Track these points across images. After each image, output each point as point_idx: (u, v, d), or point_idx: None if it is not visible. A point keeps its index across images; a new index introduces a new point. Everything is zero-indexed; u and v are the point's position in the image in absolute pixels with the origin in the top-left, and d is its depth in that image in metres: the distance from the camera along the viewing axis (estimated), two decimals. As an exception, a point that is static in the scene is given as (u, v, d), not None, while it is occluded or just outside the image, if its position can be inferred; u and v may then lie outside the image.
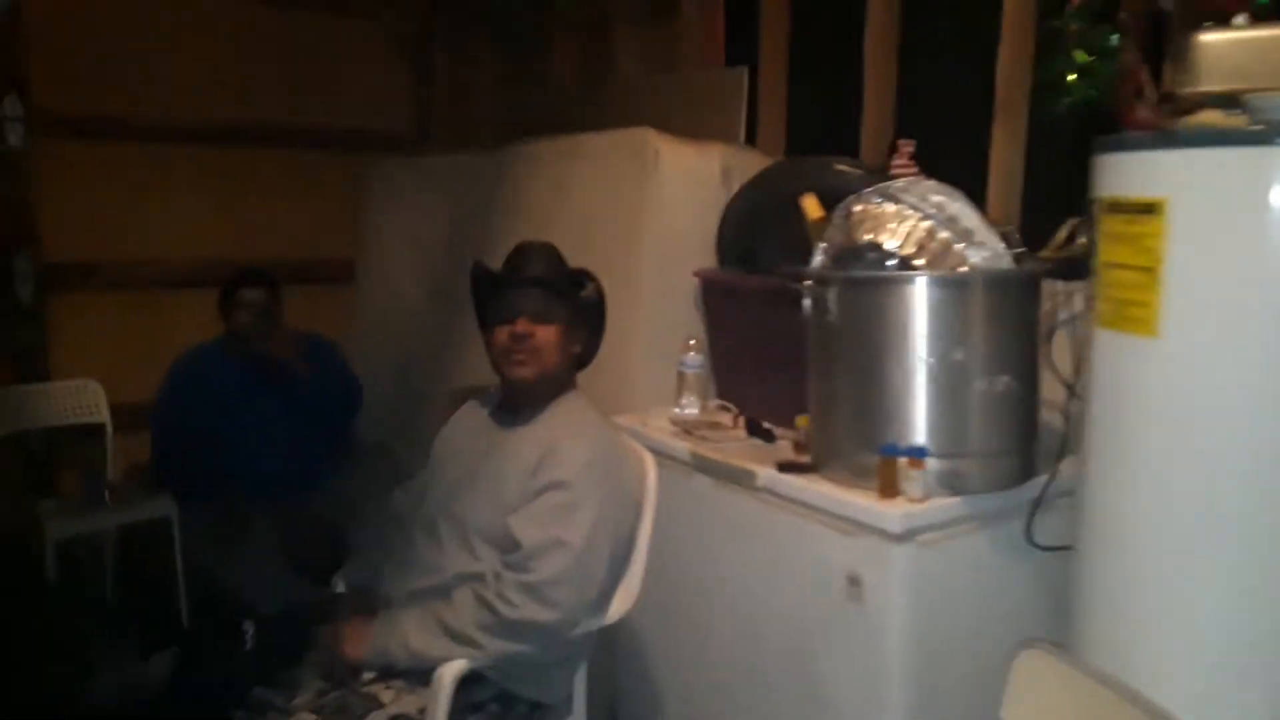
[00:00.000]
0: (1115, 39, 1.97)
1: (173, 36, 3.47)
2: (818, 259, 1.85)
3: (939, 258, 1.69)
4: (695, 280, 2.42)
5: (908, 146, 2.27)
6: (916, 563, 1.63)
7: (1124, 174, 1.41)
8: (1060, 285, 1.78)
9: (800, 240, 2.17)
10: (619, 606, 1.77)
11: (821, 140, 2.82)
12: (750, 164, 2.51)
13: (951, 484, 1.69)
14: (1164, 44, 2.03)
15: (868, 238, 1.73)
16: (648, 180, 2.39)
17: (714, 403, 2.35)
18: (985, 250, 1.70)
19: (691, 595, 2.03)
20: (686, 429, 2.16)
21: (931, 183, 1.78)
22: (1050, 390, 1.76)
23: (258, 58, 3.67)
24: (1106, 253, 1.43)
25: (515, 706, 1.71)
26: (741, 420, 2.18)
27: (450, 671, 1.60)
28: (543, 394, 1.84)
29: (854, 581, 1.68)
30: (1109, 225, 1.43)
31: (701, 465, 2.01)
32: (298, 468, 3.04)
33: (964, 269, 1.68)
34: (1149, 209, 1.35)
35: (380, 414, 3.60)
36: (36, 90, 3.19)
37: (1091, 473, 1.49)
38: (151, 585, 2.98)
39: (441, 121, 4.09)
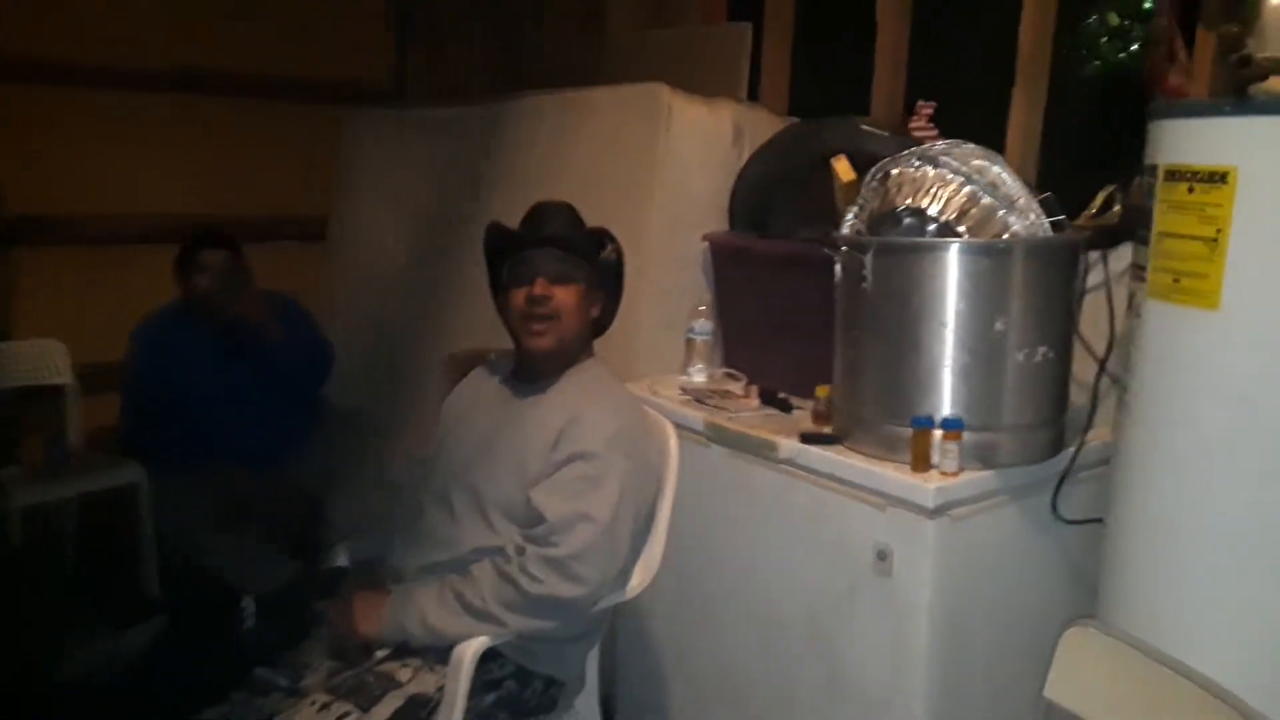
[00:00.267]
0: (1150, 2, 1.92)
1: (138, -25, 3.28)
2: (849, 223, 1.78)
3: (981, 224, 1.64)
4: (704, 244, 2.34)
5: (927, 108, 2.21)
6: (948, 537, 1.59)
7: (1187, 140, 1.36)
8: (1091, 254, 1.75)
9: (820, 204, 2.11)
10: (638, 580, 1.71)
11: (828, 101, 2.74)
12: (762, 124, 2.43)
13: (984, 457, 1.64)
14: (1198, 8, 2.00)
15: (907, 202, 1.67)
16: (659, 138, 2.30)
17: (721, 370, 2.29)
18: (1026, 217, 1.65)
19: (701, 570, 1.97)
20: (698, 398, 2.09)
21: (971, 146, 1.72)
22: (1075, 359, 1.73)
23: (228, 1, 3.48)
24: (1164, 222, 1.38)
25: (531, 683, 1.65)
26: (753, 389, 2.12)
27: (471, 649, 1.53)
28: (561, 360, 1.76)
29: (883, 555, 1.64)
30: (1168, 194, 1.38)
31: (717, 435, 1.94)
32: (271, 435, 2.92)
33: (1007, 236, 1.63)
34: (1215, 177, 1.30)
35: (357, 379, 3.48)
36: (-5, 31, 3.00)
37: (1133, 446, 1.46)
38: (118, 555, 2.86)
39: (419, 75, 3.93)
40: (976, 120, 2.39)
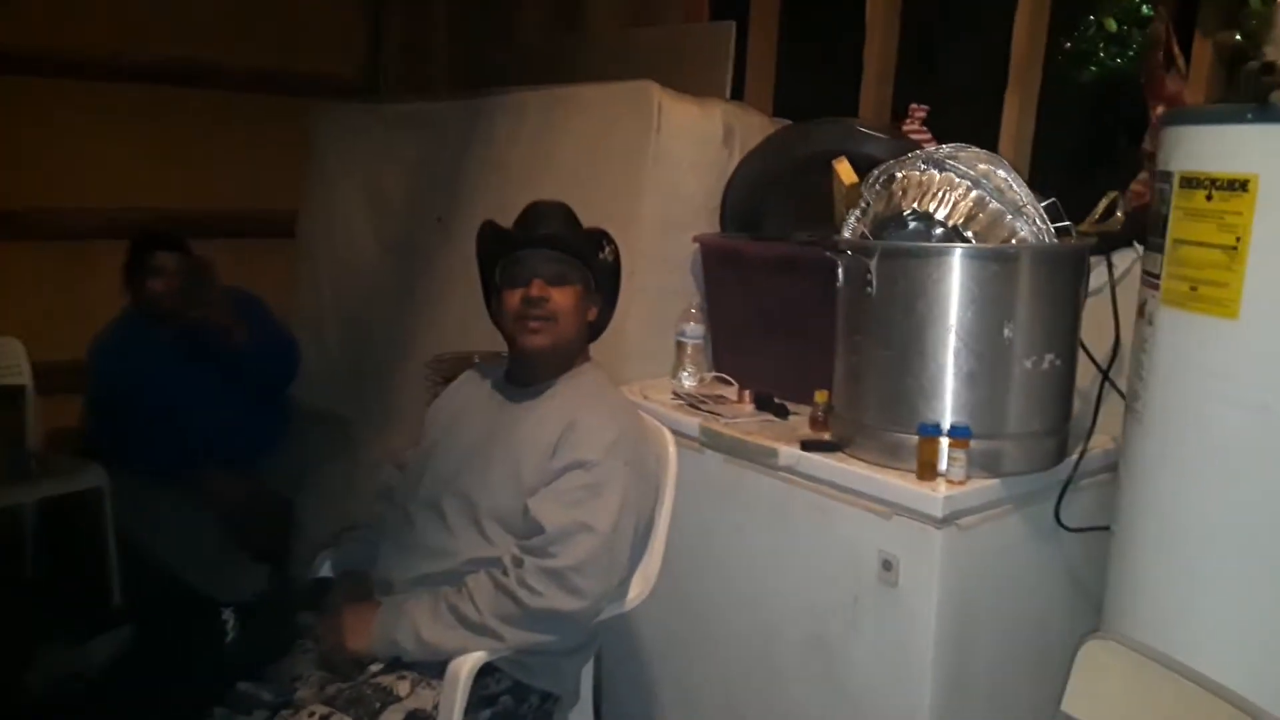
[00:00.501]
0: (1148, 7, 1.91)
1: (104, -37, 3.17)
2: (852, 226, 1.75)
3: (988, 230, 1.62)
4: (695, 246, 2.30)
5: (920, 111, 2.20)
6: (956, 546, 1.56)
7: (1206, 147, 1.34)
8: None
9: (815, 206, 2.08)
10: (636, 592, 1.67)
11: (814, 103, 2.71)
12: (752, 125, 2.40)
13: (989, 465, 1.62)
14: (1195, 14, 2.00)
15: (913, 206, 1.64)
16: (650, 137, 2.24)
17: (711, 375, 2.25)
18: (1033, 223, 1.63)
19: (695, 579, 1.92)
20: (691, 402, 2.05)
21: (976, 150, 1.70)
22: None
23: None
24: (1180, 229, 1.37)
25: (528, 698, 1.59)
26: (747, 394, 2.08)
27: (467, 665, 1.47)
28: (557, 364, 1.71)
29: (888, 565, 1.60)
30: (1184, 200, 1.36)
31: (713, 442, 1.90)
32: (239, 438, 2.84)
33: (1014, 242, 1.60)
34: (1235, 185, 1.29)
35: (328, 378, 3.39)
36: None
37: (1144, 455, 1.44)
38: (80, 561, 2.76)
39: (393, 70, 3.85)
40: (968, 124, 2.38)
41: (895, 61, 2.57)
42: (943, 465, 1.60)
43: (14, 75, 2.98)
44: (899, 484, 1.59)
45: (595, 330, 1.80)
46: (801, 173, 2.20)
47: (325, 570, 1.81)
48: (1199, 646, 1.34)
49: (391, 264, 3.19)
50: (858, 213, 1.76)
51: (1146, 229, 1.48)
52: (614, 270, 1.78)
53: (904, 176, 1.68)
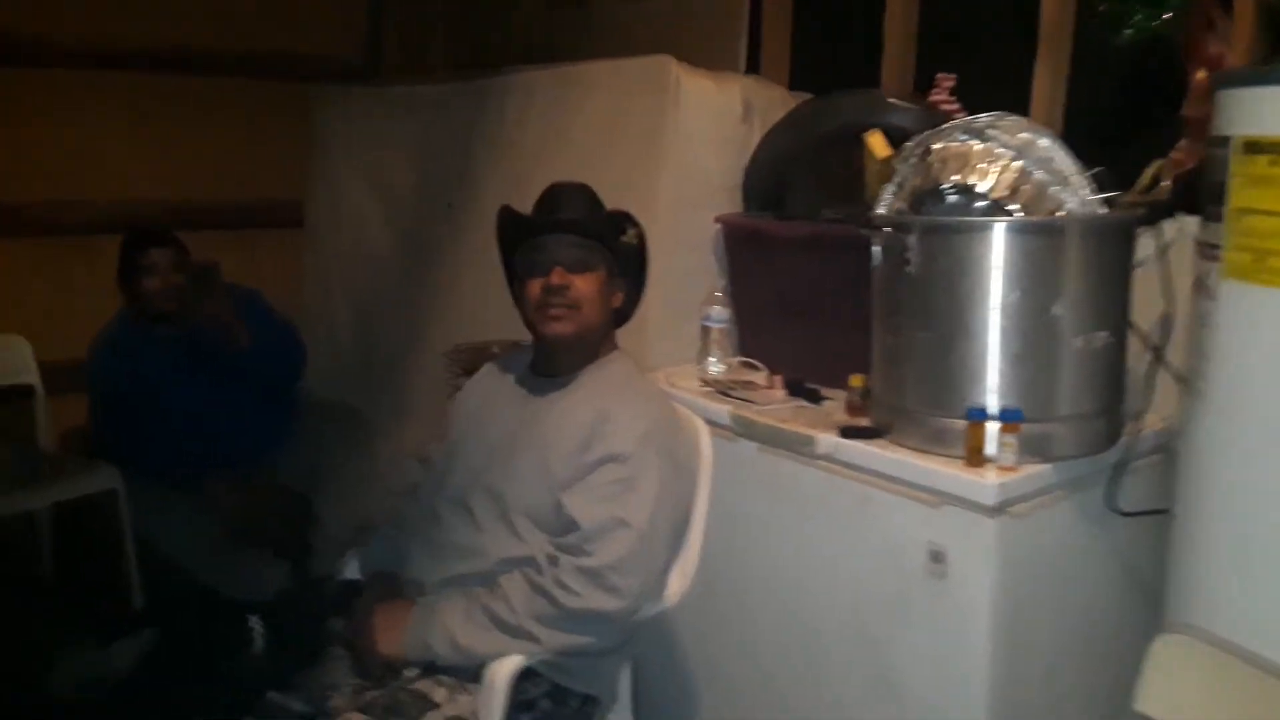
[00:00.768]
0: (1189, -34, 1.83)
1: (95, -54, 3.07)
2: (887, 202, 1.68)
3: (1033, 202, 1.54)
4: (716, 227, 2.22)
5: (948, 80, 2.12)
6: (1009, 535, 1.50)
7: (1270, 110, 1.27)
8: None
9: (841, 183, 2.01)
10: (675, 588, 1.61)
11: (833, 75, 2.63)
12: (771, 99, 2.32)
13: (1040, 449, 1.55)
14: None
15: (953, 179, 1.57)
16: (668, 115, 2.17)
17: (738, 360, 2.18)
18: (1079, 194, 1.55)
19: (732, 573, 1.86)
20: (720, 389, 1.99)
21: (1017, 118, 1.62)
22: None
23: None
24: (1243, 198, 1.29)
25: (567, 701, 1.54)
26: (777, 379, 2.01)
27: (504, 670, 1.42)
28: (583, 354, 1.64)
29: (937, 557, 1.54)
30: (1246, 167, 1.28)
31: (746, 430, 1.84)
32: (248, 437, 2.79)
33: (1061, 214, 1.53)
34: (1304, 149, 1.21)
35: (340, 372, 3.34)
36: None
37: (1207, 435, 1.37)
38: (98, 564, 2.71)
39: (393, 50, 3.75)
40: (995, 94, 2.29)
41: (916, 27, 2.48)
42: (991, 450, 1.53)
43: (5, 66, 2.89)
44: (946, 471, 1.53)
45: (621, 317, 1.73)
46: (825, 148, 2.13)
47: (353, 571, 1.75)
48: (1269, 635, 1.28)
49: (401, 252, 3.12)
50: (893, 187, 1.69)
51: (1201, 198, 1.41)
52: (639, 254, 1.71)
53: (942, 148, 1.61)
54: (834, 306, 1.95)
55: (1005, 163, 1.56)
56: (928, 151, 1.64)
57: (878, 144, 1.77)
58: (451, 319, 2.77)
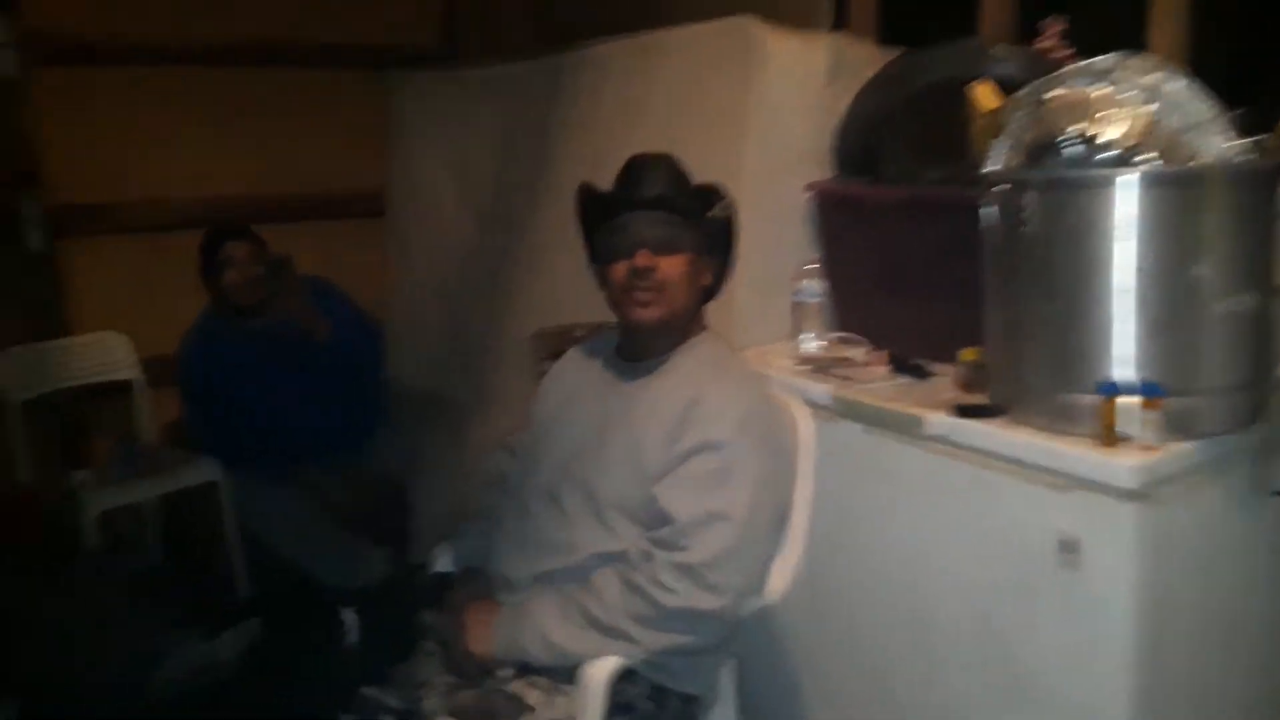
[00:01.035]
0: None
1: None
2: (998, 158, 1.53)
3: (1167, 151, 1.38)
4: (807, 195, 2.10)
5: (1057, 25, 1.95)
6: (1150, 522, 1.36)
7: None
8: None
9: (943, 141, 1.86)
10: (778, 583, 1.51)
11: (926, 27, 2.46)
12: (861, 56, 2.17)
13: (1182, 426, 1.39)
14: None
15: (1075, 128, 1.42)
16: (752, 79, 2.04)
17: (835, 335, 2.05)
18: (1218, 141, 1.39)
19: (838, 565, 1.74)
20: (818, 367, 1.87)
21: (1143, 58, 1.46)
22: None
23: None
24: None
25: (668, 702, 1.46)
26: (879, 355, 1.89)
27: (602, 671, 1.35)
28: (671, 335, 1.55)
29: (1069, 547, 1.41)
30: None
31: (849, 410, 1.72)
32: (334, 430, 2.80)
33: (1200, 163, 1.37)
34: None
35: (428, 359, 3.32)
36: (28, 9, 2.82)
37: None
38: (205, 555, 2.75)
39: (471, 31, 3.70)
40: (1105, 38, 2.11)
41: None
42: (1126, 429, 1.39)
43: (82, 65, 2.93)
44: (1077, 452, 1.39)
45: (709, 295, 1.63)
46: (921, 106, 1.98)
47: (444, 564, 1.70)
48: None
49: (483, 237, 3.06)
50: (1004, 142, 1.54)
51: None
52: (728, 229, 1.61)
53: (1059, 95, 1.46)
54: (939, 275, 1.82)
55: (1133, 108, 1.40)
56: (1043, 100, 1.49)
57: (985, 95, 1.62)
58: (535, 303, 2.71)
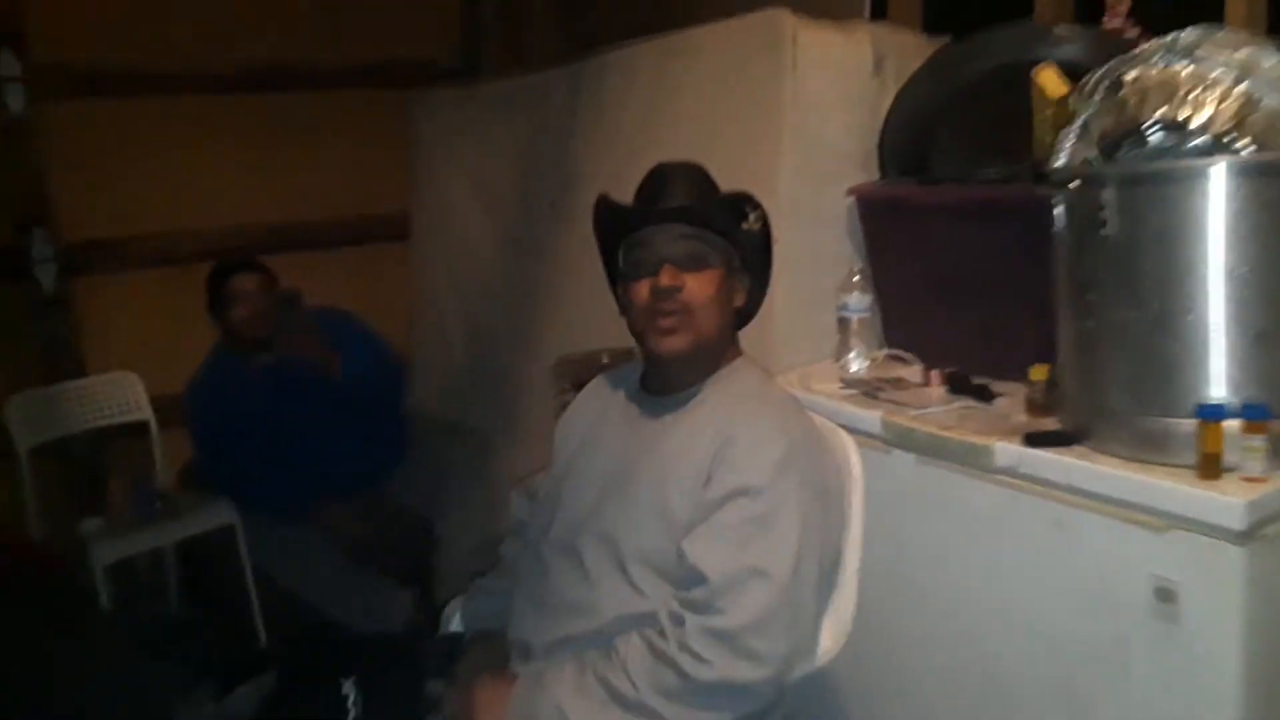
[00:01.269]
0: None
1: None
2: (1067, 151, 1.35)
3: (1267, 134, 1.19)
4: (850, 200, 1.92)
5: (1123, 4, 1.76)
6: (1263, 567, 1.16)
7: None
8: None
9: (999, 136, 1.68)
10: (830, 642, 1.33)
11: (971, 12, 2.26)
12: (906, 46, 1.99)
13: (1293, 453, 1.20)
14: None
15: (1158, 113, 1.23)
16: (785, 77, 1.87)
17: (883, 353, 1.87)
18: (1327, 119, 1.19)
19: (896, 614, 1.55)
20: (866, 390, 1.69)
21: (1231, 30, 1.27)
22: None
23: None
24: None
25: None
26: (934, 374, 1.70)
27: (626, 756, 1.17)
28: (700, 365, 1.38)
29: (1165, 595, 1.21)
30: None
31: (902, 439, 1.54)
32: (355, 466, 2.68)
33: (1310, 147, 1.18)
34: None
35: (454, 387, 3.19)
36: (35, 43, 2.75)
37: None
38: (221, 601, 2.64)
39: (492, 44, 3.58)
40: (1175, 13, 1.91)
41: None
42: (1226, 457, 1.19)
43: (91, 98, 2.85)
44: (1173, 486, 1.20)
45: (744, 317, 1.46)
46: (974, 98, 1.81)
47: (456, 624, 1.55)
48: None
49: (507, 258, 2.93)
50: (1074, 132, 1.36)
51: None
52: (764, 242, 1.44)
53: (1138, 77, 1.27)
54: (1001, 284, 1.63)
55: (1224, 88, 1.21)
56: (1119, 83, 1.30)
57: (1050, 81, 1.44)
58: (561, 326, 2.56)
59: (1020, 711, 1.41)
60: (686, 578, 1.23)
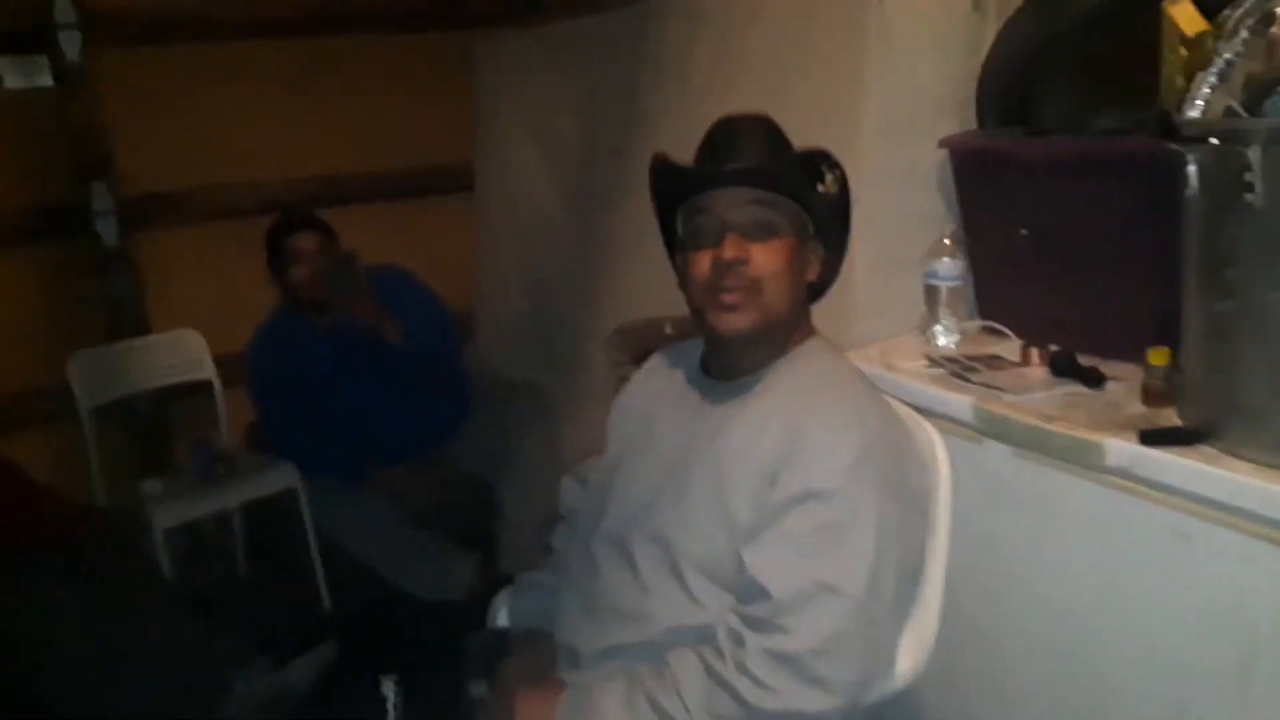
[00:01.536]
0: None
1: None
2: (1203, 101, 1.14)
3: None
4: (943, 154, 1.73)
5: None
6: None
7: None
8: None
9: (1120, 81, 1.48)
10: (909, 661, 1.19)
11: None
12: (1010, -19, 1.78)
13: None
14: None
15: (1324, 56, 1.02)
16: (870, 13, 1.69)
17: (977, 324, 1.70)
18: None
19: (986, 629, 1.40)
20: (956, 371, 1.52)
21: None
22: None
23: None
24: None
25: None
26: (1034, 352, 1.52)
27: (676, 787, 1.06)
28: (768, 348, 1.23)
29: (1306, 626, 1.04)
30: None
31: (996, 429, 1.38)
32: (415, 428, 2.61)
33: None
34: None
35: (517, 344, 3.10)
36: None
37: None
38: (284, 565, 2.61)
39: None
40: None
41: None
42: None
43: (153, 44, 2.76)
44: (1323, 502, 1.02)
45: (817, 290, 1.30)
46: (1089, 35, 1.59)
47: (503, 618, 1.45)
48: None
49: (572, 212, 2.80)
50: (1211, 79, 1.15)
51: None
52: (842, 206, 1.27)
53: (1300, 11, 1.06)
54: (1115, 251, 1.45)
55: None
56: (1270, 17, 1.09)
57: (1184, 17, 1.22)
58: (626, 286, 2.43)
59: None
60: (747, 590, 1.10)
